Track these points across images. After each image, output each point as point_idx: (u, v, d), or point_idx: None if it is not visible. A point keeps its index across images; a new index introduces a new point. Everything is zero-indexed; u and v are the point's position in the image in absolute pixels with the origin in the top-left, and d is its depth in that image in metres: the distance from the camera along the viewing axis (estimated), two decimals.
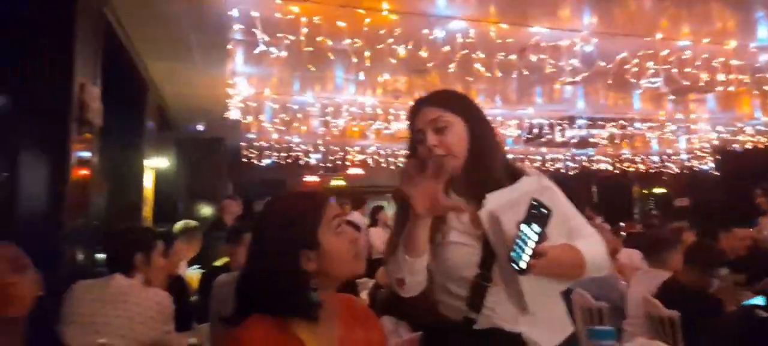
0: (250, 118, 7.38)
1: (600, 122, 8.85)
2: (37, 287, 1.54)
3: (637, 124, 8.95)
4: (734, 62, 5.57)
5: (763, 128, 9.34)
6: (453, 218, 1.49)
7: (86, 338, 2.05)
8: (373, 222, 7.39)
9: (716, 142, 10.18)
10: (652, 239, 3.72)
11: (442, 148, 1.46)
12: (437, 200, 1.39)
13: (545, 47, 4.95)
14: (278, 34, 4.36)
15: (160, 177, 7.27)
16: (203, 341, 2.77)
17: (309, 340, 1.22)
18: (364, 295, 3.58)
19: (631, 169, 12.71)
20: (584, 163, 12.33)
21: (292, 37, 4.37)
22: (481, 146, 1.49)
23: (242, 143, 10.03)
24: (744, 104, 8.09)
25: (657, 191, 14.62)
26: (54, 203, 3.11)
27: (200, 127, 8.71)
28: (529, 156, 11.18)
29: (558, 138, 8.98)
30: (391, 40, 4.58)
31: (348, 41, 4.53)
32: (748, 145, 9.94)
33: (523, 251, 1.31)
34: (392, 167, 11.09)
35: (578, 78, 5.47)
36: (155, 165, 6.97)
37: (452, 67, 5.03)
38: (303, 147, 10.39)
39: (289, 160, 10.83)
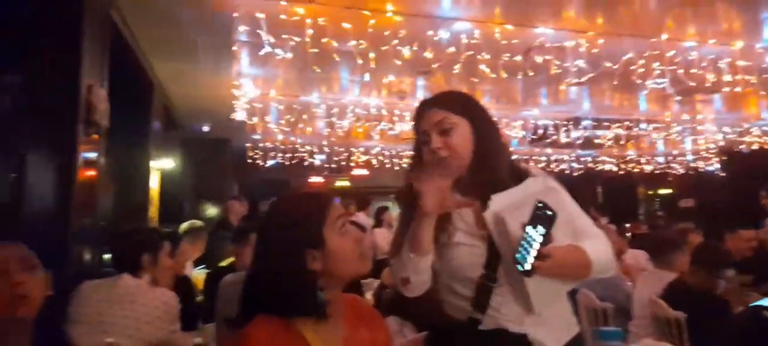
0: (255, 119, 7.40)
1: (605, 123, 8.83)
2: (46, 287, 1.55)
3: (643, 125, 8.92)
4: (741, 63, 5.54)
5: None
6: (458, 218, 1.49)
7: (93, 338, 2.06)
8: (378, 223, 7.39)
9: (722, 143, 10.13)
10: (658, 240, 3.71)
11: (446, 149, 1.46)
12: (445, 197, 1.39)
13: (550, 48, 4.94)
14: (283, 36, 4.37)
15: (165, 178, 7.31)
16: (209, 341, 2.78)
17: (314, 340, 1.23)
18: (369, 295, 3.58)
19: (636, 170, 12.66)
20: (589, 165, 12.30)
21: (297, 39, 4.39)
22: (486, 147, 1.49)
23: (247, 144, 10.07)
24: (751, 105, 8.06)
25: (662, 191, 14.57)
26: (61, 203, 3.13)
27: (206, 128, 8.75)
28: (533, 157, 11.16)
29: (563, 139, 8.96)
30: (395, 42, 4.58)
31: (353, 43, 4.54)
32: (755, 146, 9.89)
33: (528, 252, 1.31)
34: (397, 168, 11.10)
35: (584, 79, 5.46)
36: (161, 166, 7.00)
37: (457, 68, 5.03)
38: (308, 148, 10.41)
39: (294, 161, 10.86)
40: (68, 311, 2.17)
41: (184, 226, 4.18)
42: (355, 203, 7.75)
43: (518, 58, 5.02)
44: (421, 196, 1.39)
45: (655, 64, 5.34)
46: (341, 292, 1.32)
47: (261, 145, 10.09)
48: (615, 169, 12.54)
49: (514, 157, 1.67)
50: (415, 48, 4.71)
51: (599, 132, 9.08)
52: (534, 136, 9.09)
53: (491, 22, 4.60)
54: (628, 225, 9.83)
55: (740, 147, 10.11)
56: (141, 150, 5.82)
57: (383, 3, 4.20)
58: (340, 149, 10.71)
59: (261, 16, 4.18)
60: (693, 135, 9.69)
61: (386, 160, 11.22)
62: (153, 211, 6.27)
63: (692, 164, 11.91)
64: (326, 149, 10.51)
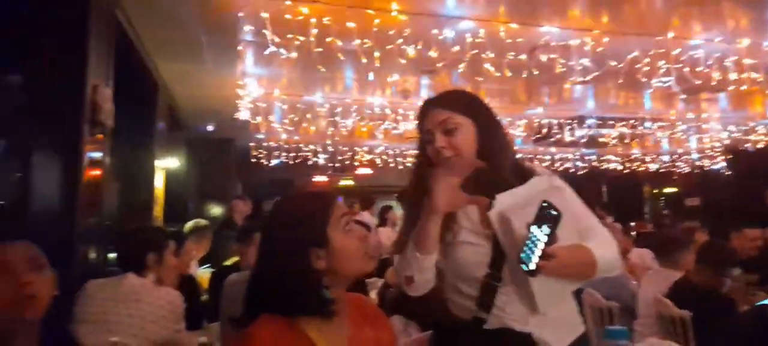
0: (259, 119, 7.42)
1: (610, 122, 8.80)
2: (54, 287, 1.55)
3: (648, 124, 8.89)
4: (747, 61, 5.51)
5: None
6: (463, 217, 1.49)
7: (99, 337, 2.07)
8: (382, 222, 7.38)
9: (728, 142, 10.09)
10: (664, 239, 3.69)
11: (450, 149, 1.46)
12: (456, 195, 1.40)
13: (555, 47, 4.93)
14: (288, 35, 4.38)
15: (170, 177, 7.32)
16: (213, 341, 2.79)
17: (319, 339, 1.23)
18: (373, 294, 3.58)
19: (641, 169, 12.62)
20: (594, 163, 12.27)
21: (302, 38, 4.39)
22: (491, 147, 1.49)
23: (251, 144, 10.09)
24: (756, 103, 8.02)
25: (667, 190, 14.52)
26: (67, 202, 3.15)
27: (210, 128, 8.77)
28: (537, 156, 11.14)
29: (567, 138, 8.94)
30: (400, 41, 4.58)
31: (357, 42, 4.54)
32: (761, 145, 9.84)
33: (533, 252, 1.31)
34: (401, 167, 11.10)
35: (588, 78, 5.45)
36: (166, 165, 7.02)
37: (462, 67, 5.02)
38: (312, 147, 10.43)
39: (298, 161, 10.88)
40: (74, 310, 2.18)
41: (189, 225, 4.19)
42: (360, 202, 7.75)
43: (523, 56, 5.01)
44: (433, 193, 1.39)
45: (661, 63, 5.32)
46: (346, 291, 1.32)
47: (265, 144, 10.11)
48: (620, 168, 12.49)
49: (518, 156, 1.67)
50: (419, 47, 4.71)
51: (604, 130, 9.05)
52: (538, 135, 9.08)
53: (496, 20, 4.59)
54: (633, 224, 9.80)
55: (746, 146, 10.06)
56: (146, 150, 5.84)
57: (388, 2, 4.20)
58: (344, 149, 10.72)
59: (265, 15, 4.18)
60: (698, 133, 9.65)
61: (390, 160, 11.22)
62: (158, 210, 6.29)
63: (698, 163, 11.86)
64: (330, 148, 10.51)
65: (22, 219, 3.05)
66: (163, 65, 5.68)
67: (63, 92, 3.21)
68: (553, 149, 11.04)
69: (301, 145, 10.17)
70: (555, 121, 8.58)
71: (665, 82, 5.73)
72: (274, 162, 10.70)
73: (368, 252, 1.31)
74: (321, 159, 10.98)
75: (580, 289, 3.21)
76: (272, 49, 4.46)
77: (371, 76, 5.59)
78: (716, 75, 5.62)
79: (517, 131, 8.63)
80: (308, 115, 7.55)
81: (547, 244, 1.31)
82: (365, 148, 10.90)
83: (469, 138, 1.48)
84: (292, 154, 10.57)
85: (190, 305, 2.40)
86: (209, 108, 7.48)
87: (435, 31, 4.61)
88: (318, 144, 10.24)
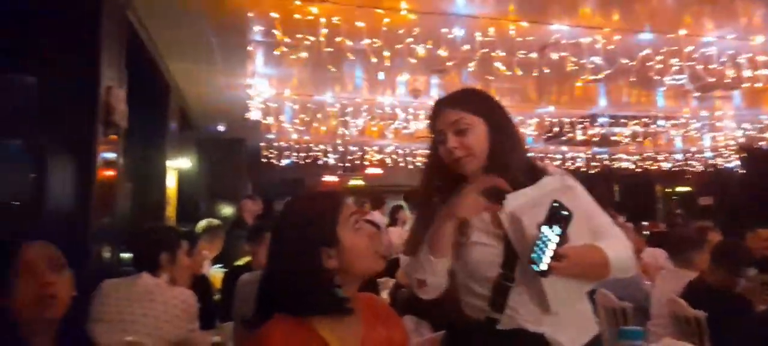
0: (270, 119, 7.45)
1: (622, 120, 8.73)
2: (72, 287, 1.57)
3: (661, 122, 8.81)
4: (761, 58, 5.45)
5: None
6: (476, 217, 1.49)
7: (114, 336, 2.09)
8: (393, 221, 7.38)
9: (742, 140, 9.97)
10: (677, 239, 3.66)
11: (462, 149, 1.46)
12: (476, 201, 1.41)
13: (566, 45, 4.90)
14: (298, 35, 4.39)
15: (182, 177, 7.38)
16: (226, 340, 2.80)
17: (331, 339, 1.23)
18: (384, 294, 3.58)
19: (654, 167, 12.51)
20: (606, 162, 12.18)
21: (312, 38, 4.40)
22: (503, 146, 1.48)
23: (262, 144, 10.13)
24: None
25: (680, 189, 14.38)
26: (81, 202, 3.18)
27: (221, 128, 8.82)
28: (548, 155, 11.08)
29: (579, 136, 8.89)
30: (410, 40, 4.58)
31: (367, 41, 4.54)
32: None
33: (544, 252, 1.30)
34: (411, 167, 11.09)
35: (600, 76, 5.41)
36: (178, 165, 7.07)
37: (472, 66, 5.01)
38: (322, 147, 10.45)
39: (308, 160, 10.91)
40: (90, 310, 2.20)
41: (202, 224, 4.22)
42: (370, 202, 7.75)
43: (534, 55, 4.98)
44: (458, 200, 1.41)
45: (674, 60, 5.27)
46: (357, 290, 1.33)
47: (275, 144, 10.15)
48: (632, 167, 12.39)
49: (529, 155, 1.66)
50: (429, 46, 4.70)
51: (616, 129, 8.98)
52: (549, 134, 9.03)
53: (506, 19, 4.57)
54: (645, 223, 9.72)
55: (760, 144, 9.94)
56: (158, 150, 5.89)
57: (397, 1, 4.20)
58: (354, 148, 10.73)
59: (275, 15, 4.20)
60: (712, 132, 9.55)
61: (400, 160, 11.22)
62: (170, 210, 6.34)
63: (711, 161, 11.74)
64: (340, 148, 10.53)
65: (37, 219, 3.09)
66: (175, 66, 5.73)
67: (77, 94, 3.25)
68: (564, 148, 10.98)
69: (311, 145, 10.20)
70: (566, 120, 8.53)
71: (678, 80, 5.67)
72: (284, 162, 10.75)
73: (378, 251, 1.31)
74: (331, 159, 11.01)
75: (593, 289, 3.20)
76: (282, 49, 4.48)
77: (381, 75, 5.59)
78: (730, 72, 5.56)
79: (528, 130, 8.59)
80: (318, 115, 7.56)
81: (558, 244, 1.30)
82: (375, 148, 10.91)
83: (481, 138, 1.47)
84: (302, 154, 10.61)
85: (203, 304, 2.41)
86: (220, 108, 7.52)
87: (445, 30, 4.60)
88: (328, 144, 10.27)
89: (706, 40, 5.11)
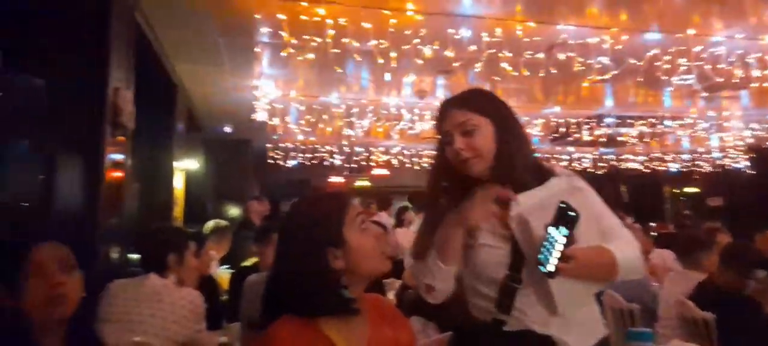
0: (276, 120, 7.46)
1: (629, 120, 8.69)
2: (82, 288, 1.58)
3: (668, 122, 8.76)
4: None
5: None
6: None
7: (122, 336, 2.10)
8: (399, 223, 7.38)
9: (751, 140, 9.90)
10: (686, 240, 3.63)
11: (469, 151, 1.45)
12: (488, 209, 1.41)
13: (573, 45, 4.88)
14: (305, 37, 4.40)
15: (189, 178, 7.41)
16: (234, 341, 2.81)
17: (338, 340, 1.23)
18: (390, 295, 3.58)
19: (661, 168, 12.44)
20: (613, 163, 12.13)
21: (318, 39, 4.41)
22: (510, 147, 1.47)
23: (268, 145, 10.16)
24: None
25: (688, 190, 14.29)
26: (89, 203, 3.20)
27: (228, 129, 8.84)
28: (555, 155, 11.04)
29: (586, 137, 8.85)
30: (416, 41, 4.58)
31: (374, 42, 4.55)
32: None
33: (551, 253, 1.29)
34: (417, 168, 11.09)
35: (607, 76, 5.39)
36: (185, 166, 7.10)
37: (478, 66, 5.00)
38: (328, 148, 10.46)
39: (314, 161, 10.93)
40: (98, 310, 2.21)
41: (210, 225, 4.23)
42: (377, 203, 7.74)
43: (540, 55, 4.97)
44: (471, 208, 1.41)
45: (681, 60, 5.24)
46: (364, 291, 1.32)
47: (282, 145, 10.17)
48: (640, 167, 12.33)
49: (536, 155, 1.65)
50: (435, 47, 4.70)
51: (623, 129, 8.94)
52: (556, 135, 9.00)
53: (512, 19, 4.56)
54: (653, 224, 9.67)
55: None
56: (165, 151, 5.92)
57: (404, 2, 4.20)
58: (360, 149, 10.74)
59: (282, 17, 4.21)
60: (720, 132, 9.49)
61: (406, 161, 11.22)
62: (178, 211, 6.36)
63: (719, 162, 11.66)
64: (346, 149, 10.54)
65: (45, 220, 3.10)
66: (182, 67, 5.75)
67: (85, 95, 3.27)
68: (571, 149, 10.94)
69: (317, 146, 10.21)
70: (573, 120, 8.50)
71: (686, 80, 5.64)
72: (290, 163, 10.76)
73: (385, 252, 1.32)
74: (337, 160, 11.02)
75: (600, 291, 3.18)
76: (289, 50, 4.49)
77: (388, 76, 5.59)
78: (739, 72, 5.52)
79: (534, 131, 8.56)
80: (324, 116, 7.58)
81: (565, 245, 1.29)
82: (381, 149, 10.91)
83: (488, 139, 1.46)
84: (308, 155, 10.62)
85: (210, 305, 2.42)
86: (227, 109, 7.55)
87: (451, 31, 4.60)
88: (334, 145, 10.28)
89: (714, 39, 5.08)
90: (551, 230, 1.31)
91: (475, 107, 1.48)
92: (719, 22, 4.91)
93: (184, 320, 2.21)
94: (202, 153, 8.58)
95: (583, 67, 5.21)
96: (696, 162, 12.08)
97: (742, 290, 2.99)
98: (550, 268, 1.29)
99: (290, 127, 8.15)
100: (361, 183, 13.17)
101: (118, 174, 3.55)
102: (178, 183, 6.57)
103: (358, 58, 4.85)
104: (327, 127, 8.03)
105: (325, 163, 11.14)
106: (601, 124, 8.60)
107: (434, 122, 1.57)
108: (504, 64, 5.04)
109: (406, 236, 6.88)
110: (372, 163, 11.58)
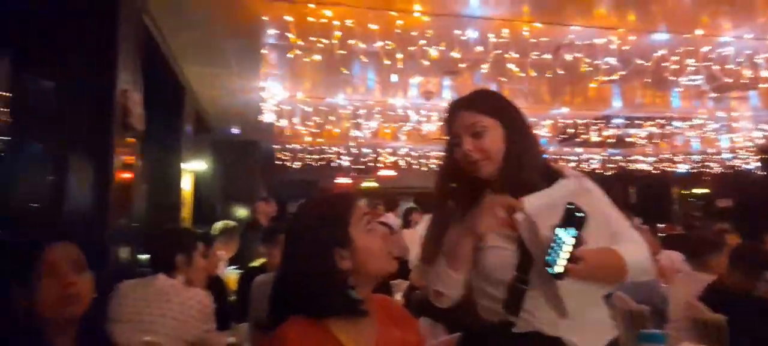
0: (283, 122, 7.49)
1: (637, 121, 8.65)
2: (93, 288, 1.59)
3: (676, 123, 8.71)
4: None
5: None
6: None
7: (132, 336, 2.12)
8: (406, 224, 7.38)
9: (761, 141, 9.82)
10: (695, 242, 3.62)
11: (478, 153, 1.45)
12: (496, 217, 1.41)
13: (580, 46, 4.87)
14: (311, 38, 4.42)
15: (198, 179, 7.44)
16: (242, 341, 2.82)
17: (346, 340, 1.23)
18: (398, 296, 3.58)
19: (670, 169, 12.37)
20: (621, 164, 12.07)
21: (325, 41, 4.42)
22: (519, 149, 1.47)
23: (276, 146, 10.18)
24: None
25: (697, 191, 14.19)
26: (99, 204, 3.22)
27: (235, 131, 8.88)
28: (563, 156, 11.00)
29: (594, 138, 8.81)
30: (423, 42, 4.58)
31: (380, 43, 4.55)
32: None
33: (559, 255, 1.29)
34: (424, 169, 11.08)
35: (615, 76, 5.36)
36: (193, 168, 7.13)
37: (485, 67, 4.99)
38: (335, 149, 10.48)
39: (322, 162, 10.95)
40: (108, 310, 2.23)
41: (218, 226, 4.25)
42: (384, 204, 7.75)
43: (547, 56, 4.96)
44: (479, 218, 1.41)
45: (690, 61, 5.21)
46: (372, 292, 1.33)
47: (289, 146, 10.19)
48: (649, 168, 12.26)
49: (544, 156, 1.65)
50: (442, 48, 4.70)
51: (631, 130, 8.89)
52: (563, 136, 8.96)
53: (520, 20, 4.55)
54: (661, 226, 9.61)
55: None
56: (173, 153, 5.94)
57: (410, 3, 4.20)
58: (367, 150, 10.75)
59: (289, 19, 4.22)
60: (729, 133, 9.42)
61: (413, 162, 11.22)
62: (186, 212, 6.39)
63: (729, 163, 11.57)
64: (354, 150, 10.55)
65: (55, 221, 3.13)
66: (189, 69, 5.78)
67: (95, 97, 3.29)
68: (579, 150, 10.90)
69: (324, 147, 10.23)
70: (581, 121, 8.46)
71: (694, 81, 5.61)
72: (297, 164, 10.79)
73: (392, 252, 1.32)
74: (344, 161, 11.03)
75: (609, 293, 3.17)
76: (296, 52, 4.50)
77: (394, 77, 5.59)
78: (747, 72, 5.48)
79: (541, 132, 8.54)
80: (331, 117, 7.59)
81: (574, 246, 1.29)
82: (388, 150, 10.91)
83: (497, 140, 1.46)
84: (315, 157, 10.65)
85: (218, 305, 2.43)
86: (234, 111, 7.58)
87: (458, 32, 4.59)
88: (341, 146, 10.29)
89: (723, 40, 5.04)
90: (559, 231, 1.30)
91: (484, 109, 1.48)
92: (728, 22, 4.87)
93: (192, 320, 2.22)
94: (210, 154, 8.61)
95: (591, 68, 5.18)
96: (706, 163, 12.00)
97: (751, 291, 2.98)
98: (558, 269, 1.29)
99: (297, 129, 8.18)
100: (368, 184, 13.19)
101: (128, 175, 3.57)
102: (187, 184, 6.60)
103: (365, 60, 4.86)
104: (334, 128, 8.05)
105: (333, 164, 11.16)
106: (610, 125, 8.56)
107: (442, 124, 1.56)
108: (511, 65, 5.02)
109: (410, 236, 6.88)
110: (379, 165, 11.59)
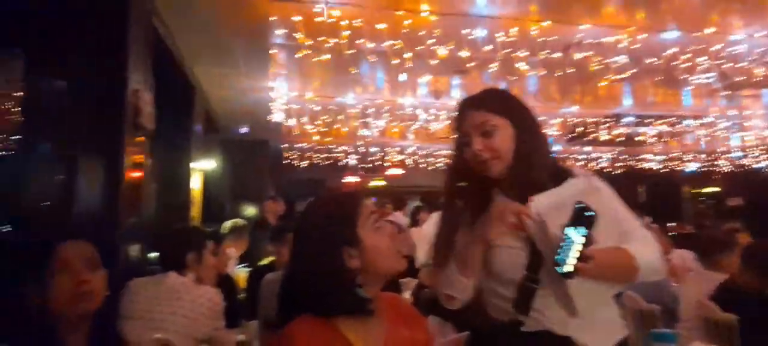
0: (292, 121, 7.51)
1: (647, 120, 8.59)
2: (106, 286, 1.60)
3: (687, 122, 8.64)
4: None
5: None
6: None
7: (143, 333, 2.13)
8: (414, 222, 7.37)
9: None
10: (706, 241, 3.59)
11: (488, 152, 1.44)
12: (506, 223, 1.41)
13: (590, 45, 4.84)
14: (319, 38, 4.43)
15: (207, 178, 7.47)
16: (251, 339, 2.84)
17: (355, 339, 1.23)
18: (407, 295, 3.58)
19: (680, 168, 12.27)
20: (630, 163, 11.99)
21: (333, 41, 4.43)
22: (528, 148, 1.46)
23: (284, 145, 10.21)
24: None
25: (707, 190, 14.07)
26: (109, 203, 3.24)
27: (244, 130, 8.91)
28: (572, 155, 10.95)
29: (603, 136, 8.76)
30: (431, 41, 4.58)
31: (388, 43, 4.55)
32: None
33: (569, 254, 1.29)
34: (431, 168, 11.07)
35: (625, 75, 5.33)
36: (202, 167, 7.16)
37: (494, 66, 4.98)
38: (343, 148, 10.49)
39: (330, 162, 10.97)
40: (119, 308, 2.25)
41: (228, 225, 4.27)
42: (392, 203, 7.75)
43: (557, 55, 4.94)
44: (490, 225, 1.41)
45: (702, 59, 5.17)
46: (380, 291, 1.33)
47: (297, 146, 10.22)
48: (658, 167, 12.17)
49: (553, 155, 1.64)
50: (450, 47, 4.69)
51: (641, 129, 8.84)
52: (572, 135, 8.92)
53: (528, 19, 4.54)
54: (672, 225, 9.54)
55: None
56: (183, 152, 5.97)
57: (418, 3, 4.19)
58: (375, 149, 10.75)
59: (297, 19, 4.24)
60: (741, 131, 9.33)
61: (421, 160, 11.21)
62: (195, 211, 6.42)
63: (740, 162, 11.47)
64: (362, 149, 10.56)
65: (66, 220, 3.15)
66: (199, 70, 5.81)
67: (105, 97, 3.32)
68: (588, 148, 10.84)
69: (332, 146, 10.25)
70: (590, 120, 8.42)
71: (706, 79, 5.57)
72: (305, 163, 10.82)
73: (400, 250, 1.32)
74: (352, 160, 11.05)
75: (619, 292, 3.15)
76: (304, 52, 4.51)
77: (403, 76, 5.59)
78: (759, 70, 5.43)
79: (550, 131, 8.50)
80: (340, 117, 7.60)
81: (584, 245, 1.28)
82: (396, 149, 10.91)
83: (507, 140, 1.45)
84: (323, 156, 10.67)
85: (228, 303, 2.44)
86: (243, 111, 7.60)
87: (466, 31, 4.59)
88: (349, 145, 10.30)
89: (734, 38, 5.00)
90: (568, 230, 1.30)
91: (494, 108, 1.47)
92: (739, 20, 4.83)
93: (203, 318, 2.23)
94: (219, 154, 8.64)
95: (601, 67, 5.16)
96: (716, 162, 11.90)
97: (763, 290, 2.95)
98: (568, 268, 1.28)
99: (306, 128, 8.20)
100: (376, 183, 13.19)
101: (138, 174, 3.59)
102: (196, 183, 6.63)
103: (373, 59, 4.86)
104: (342, 127, 8.06)
105: (341, 163, 11.18)
106: (619, 124, 8.51)
107: (451, 123, 1.56)
108: (519, 64, 5.01)
109: (418, 235, 6.87)
110: (387, 163, 11.59)
